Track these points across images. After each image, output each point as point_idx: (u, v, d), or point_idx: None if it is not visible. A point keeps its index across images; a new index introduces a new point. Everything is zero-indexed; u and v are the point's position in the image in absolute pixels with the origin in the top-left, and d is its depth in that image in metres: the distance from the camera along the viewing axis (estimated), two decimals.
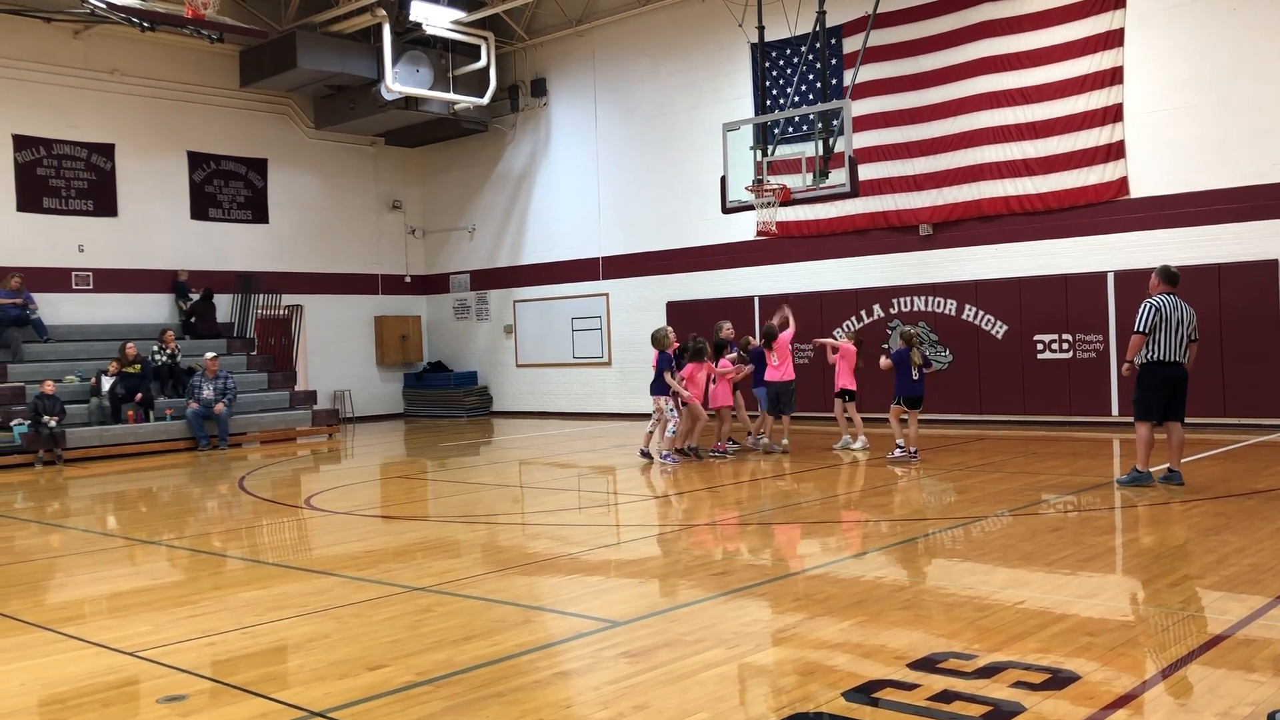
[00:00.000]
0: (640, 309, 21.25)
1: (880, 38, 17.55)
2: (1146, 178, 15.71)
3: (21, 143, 19.37)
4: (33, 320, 18.83)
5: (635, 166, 21.59)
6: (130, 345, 18.67)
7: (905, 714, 4.17)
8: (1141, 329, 9.62)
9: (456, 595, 6.63)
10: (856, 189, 14.85)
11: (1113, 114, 15.89)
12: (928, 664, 4.79)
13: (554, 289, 23.22)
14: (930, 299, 17.76)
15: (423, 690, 4.70)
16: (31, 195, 19.48)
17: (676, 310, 20.56)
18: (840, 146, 14.65)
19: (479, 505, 11.24)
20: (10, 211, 19.26)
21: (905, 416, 12.98)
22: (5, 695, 4.96)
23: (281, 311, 22.62)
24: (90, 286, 20.11)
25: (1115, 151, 15.90)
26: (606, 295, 22.22)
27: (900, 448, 12.99)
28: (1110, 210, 16.01)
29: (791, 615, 5.83)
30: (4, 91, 19.14)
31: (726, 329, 14.85)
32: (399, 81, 20.99)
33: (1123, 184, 15.87)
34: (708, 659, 4.99)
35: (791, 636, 5.41)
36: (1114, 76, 15.87)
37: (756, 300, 19.72)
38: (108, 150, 20.42)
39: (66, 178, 19.93)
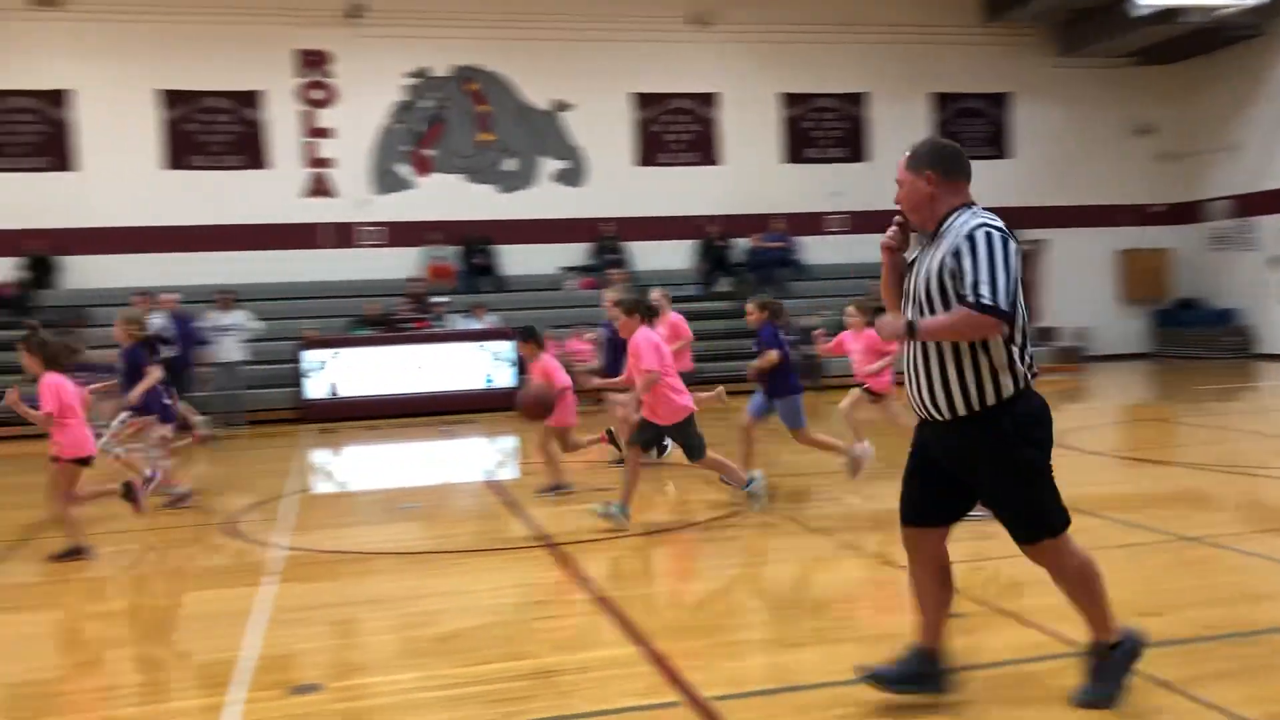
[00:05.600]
0: None
1: None
2: None
3: (790, 100, 21.42)
4: (793, 261, 20.86)
5: None
6: (874, 284, 19.86)
7: None
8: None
9: (1229, 549, 6.06)
10: None
11: None
12: None
13: None
14: None
15: (1207, 646, 4.37)
16: (794, 147, 21.50)
17: None
18: None
19: (1240, 455, 10.14)
20: (775, 163, 21.44)
21: None
22: (785, 591, 5.58)
23: (1023, 247, 22.41)
24: (849, 228, 21.58)
25: None
26: None
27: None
28: None
29: None
30: (770, 53, 21.20)
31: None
32: None
33: None
34: None
35: None
36: None
37: None
38: (856, 99, 21.79)
39: (824, 127, 21.69)
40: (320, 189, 19.29)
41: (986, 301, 3.52)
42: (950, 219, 3.78)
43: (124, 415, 8.99)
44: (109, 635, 5.61)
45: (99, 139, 18.24)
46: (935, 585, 3.92)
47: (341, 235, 19.31)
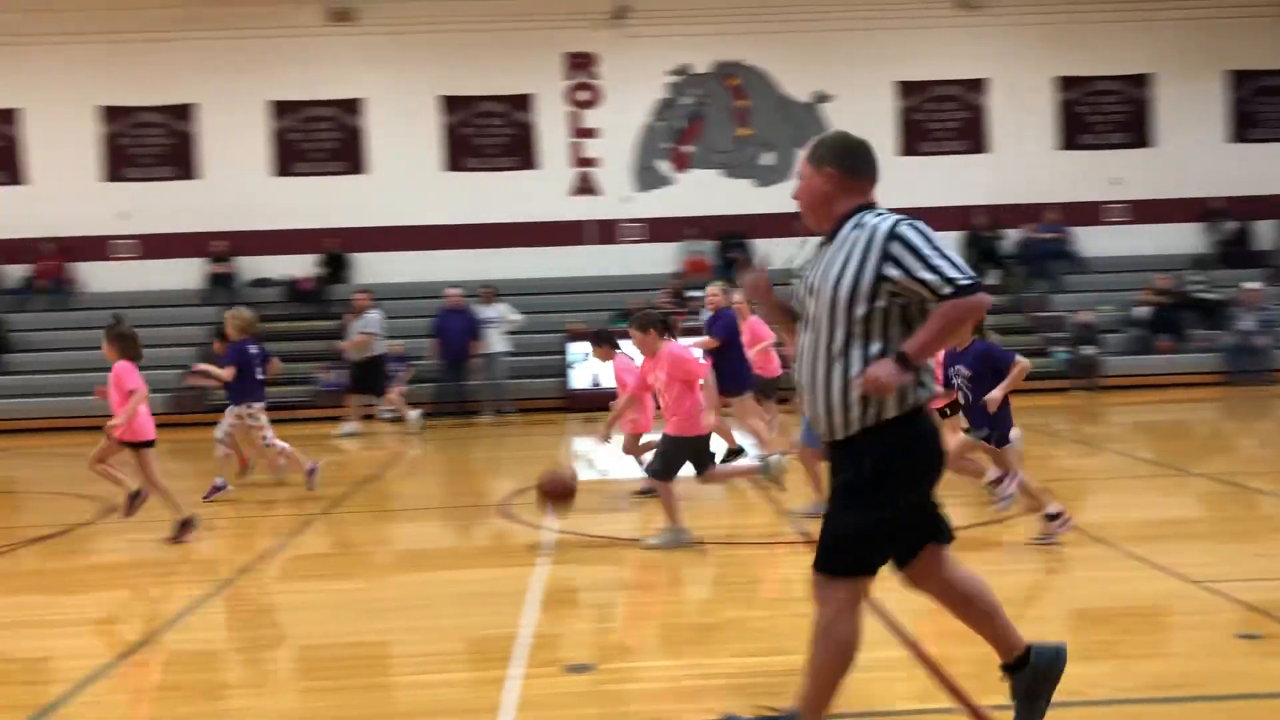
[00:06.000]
0: None
1: None
2: None
3: (1066, 84, 20.30)
4: (1068, 253, 19.76)
5: None
6: (1160, 277, 18.53)
7: None
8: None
9: None
10: None
11: None
12: None
13: None
14: None
15: None
16: (1070, 133, 20.37)
17: None
18: None
19: None
20: (1049, 150, 20.36)
21: None
22: (1070, 602, 5.28)
23: None
24: (1130, 218, 20.29)
25: None
26: None
27: None
28: None
29: None
30: (1045, 35, 20.12)
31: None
32: None
33: None
34: None
35: None
36: None
37: None
38: (1140, 80, 20.39)
39: (1103, 111, 20.45)
40: (586, 187, 19.92)
41: (963, 282, 3.19)
42: (850, 220, 3.47)
43: (235, 409, 9.14)
44: (392, 605, 5.98)
45: (386, 144, 19.56)
46: (970, 606, 3.51)
47: (605, 232, 19.86)
